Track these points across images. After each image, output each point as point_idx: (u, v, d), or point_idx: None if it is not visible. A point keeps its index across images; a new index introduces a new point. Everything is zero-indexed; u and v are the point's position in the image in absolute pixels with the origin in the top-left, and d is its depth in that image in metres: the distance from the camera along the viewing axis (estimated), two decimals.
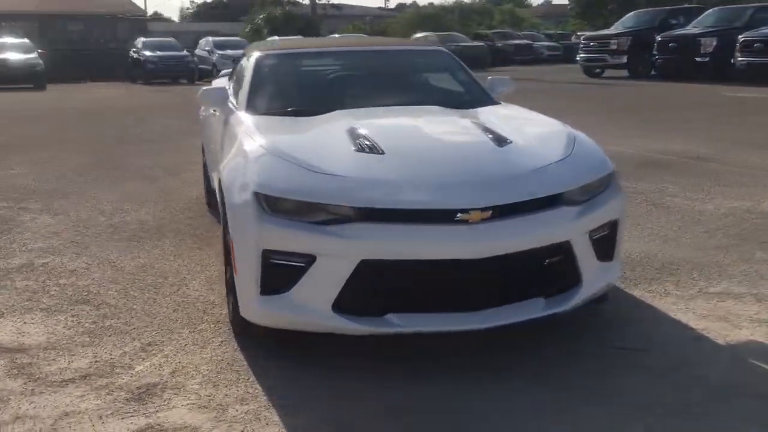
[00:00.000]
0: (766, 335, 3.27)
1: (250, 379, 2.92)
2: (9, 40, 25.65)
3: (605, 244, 3.22)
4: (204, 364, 3.06)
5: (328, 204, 2.84)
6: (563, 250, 3.00)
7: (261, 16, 42.93)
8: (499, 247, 2.84)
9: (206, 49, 29.13)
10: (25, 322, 3.56)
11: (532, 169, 3.08)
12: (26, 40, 26.23)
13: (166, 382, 2.90)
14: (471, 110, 4.02)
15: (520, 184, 2.98)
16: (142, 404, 2.72)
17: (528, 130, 3.58)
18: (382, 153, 3.09)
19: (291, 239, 2.84)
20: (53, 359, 3.13)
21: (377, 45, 5.40)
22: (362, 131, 3.33)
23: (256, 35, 38.32)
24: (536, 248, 2.94)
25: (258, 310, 2.96)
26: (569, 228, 2.99)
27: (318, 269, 2.81)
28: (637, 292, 3.83)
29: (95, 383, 2.90)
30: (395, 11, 62.59)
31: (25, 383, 2.90)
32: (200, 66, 28.14)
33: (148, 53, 27.35)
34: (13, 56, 23.90)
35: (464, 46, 30.57)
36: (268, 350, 3.15)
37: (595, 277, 3.16)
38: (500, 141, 3.27)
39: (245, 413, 2.65)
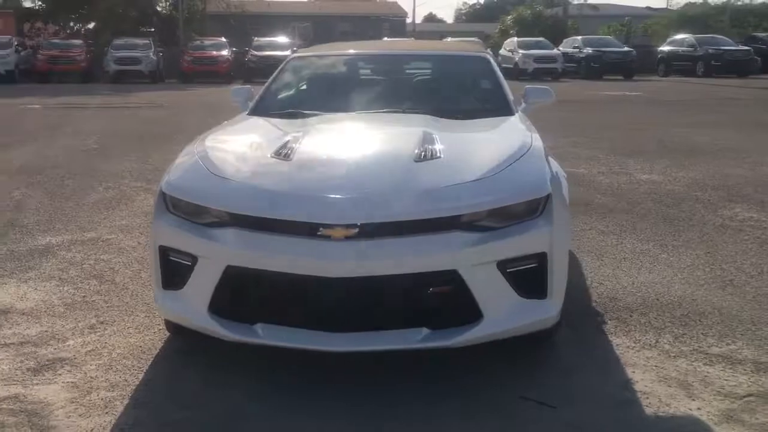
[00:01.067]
0: (718, 413, 2.68)
1: (143, 369, 3.07)
2: (279, 39, 28.54)
3: (530, 278, 2.86)
4: (121, 348, 3.26)
5: (211, 207, 2.88)
6: (452, 279, 2.71)
7: (510, 17, 42.96)
8: (365, 268, 2.67)
9: (509, 49, 29.80)
10: (36, 288, 4.05)
11: (432, 187, 2.83)
12: (287, 39, 29.03)
13: (74, 359, 3.15)
14: (461, 121, 3.77)
15: (406, 203, 2.76)
16: (34, 375, 2.99)
17: (475, 147, 3.29)
18: (289, 161, 3.05)
19: (180, 238, 2.93)
20: (18, 323, 3.54)
21: (413, 50, 5.24)
22: (297, 136, 3.31)
23: (504, 36, 38.60)
24: (414, 274, 2.70)
25: (161, 303, 3.09)
26: (457, 256, 2.70)
27: (198, 270, 2.87)
28: (619, 340, 3.34)
29: (22, 350, 3.24)
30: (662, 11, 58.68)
31: None
32: (504, 65, 28.99)
33: None
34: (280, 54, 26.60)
35: (725, 50, 27.97)
36: (196, 343, 3.19)
37: (510, 314, 2.84)
38: (425, 156, 3.05)
39: (101, 399, 2.79)
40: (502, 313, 2.82)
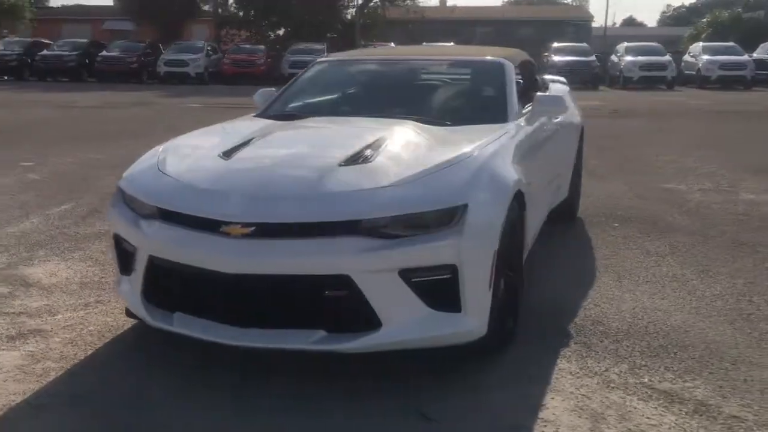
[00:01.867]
0: None
1: (97, 346, 3.36)
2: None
3: (440, 290, 2.79)
4: (93, 326, 3.57)
5: (143, 201, 3.10)
6: (345, 284, 2.71)
7: (704, 20, 40.05)
8: (256, 266, 2.75)
9: (692, 54, 28.68)
10: (69, 267, 4.52)
11: (337, 191, 2.84)
12: (451, 44, 29.27)
13: (49, 331, 3.49)
14: (443, 127, 3.71)
15: (305, 206, 2.79)
16: (6, 342, 3.34)
17: (417, 154, 3.21)
18: (227, 160, 3.20)
19: (126, 228, 3.16)
20: (30, 296, 3.99)
21: (427, 56, 5.16)
22: (258, 137, 3.46)
23: (693, 40, 36.15)
24: (306, 276, 2.74)
25: (119, 288, 3.36)
26: (350, 261, 2.69)
27: (136, 258, 3.11)
28: (567, 364, 3.13)
29: (16, 319, 3.63)
30: None
31: None
32: (686, 72, 28.09)
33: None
34: None
35: None
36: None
37: (416, 324, 2.78)
38: (354, 161, 3.06)
39: (42, 369, 3.07)
40: (407, 322, 2.77)
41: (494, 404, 2.80)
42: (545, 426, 2.63)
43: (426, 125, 3.69)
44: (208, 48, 29.36)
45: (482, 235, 2.84)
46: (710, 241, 5.12)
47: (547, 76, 6.50)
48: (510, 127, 3.78)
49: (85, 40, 30.94)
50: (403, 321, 2.77)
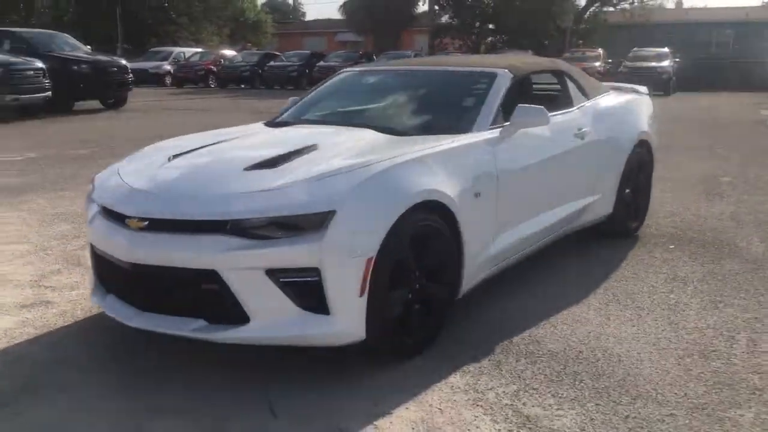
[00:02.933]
0: None
1: (79, 319, 3.93)
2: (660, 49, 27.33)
3: (307, 291, 2.97)
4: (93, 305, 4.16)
5: (93, 198, 3.59)
6: (216, 279, 2.99)
7: None
8: (146, 256, 3.09)
9: None
10: None
11: (221, 193, 3.10)
12: (665, 49, 27.48)
13: (56, 303, 4.12)
14: (399, 137, 3.79)
15: (189, 204, 3.08)
16: (17, 309, 4.04)
17: (323, 161, 3.35)
18: (168, 162, 3.60)
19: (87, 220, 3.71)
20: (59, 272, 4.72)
21: (427, 66, 5.09)
22: (216, 142, 3.84)
23: None
24: (183, 269, 3.03)
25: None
26: (218, 258, 2.95)
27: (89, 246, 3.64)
28: (456, 379, 3.14)
29: (32, 287, 4.34)
30: None
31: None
32: None
33: None
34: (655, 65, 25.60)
35: None
36: None
37: (284, 323, 2.99)
38: (262, 165, 3.32)
39: (21, 333, 3.73)
40: (277, 320, 2.97)
41: (345, 407, 2.90)
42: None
43: (381, 134, 3.82)
44: (414, 57, 30.38)
45: (349, 242, 2.94)
46: (759, 272, 4.58)
47: (624, 84, 6.16)
48: (464, 138, 3.77)
49: (307, 52, 33.53)
50: (273, 318, 2.97)
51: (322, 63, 30.20)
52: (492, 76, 4.30)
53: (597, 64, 27.15)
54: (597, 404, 2.89)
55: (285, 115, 4.72)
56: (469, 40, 38.91)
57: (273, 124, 4.54)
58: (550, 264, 4.71)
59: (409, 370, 3.20)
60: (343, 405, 2.89)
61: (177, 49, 34.32)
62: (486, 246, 3.76)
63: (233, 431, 2.72)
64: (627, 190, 5.21)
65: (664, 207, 6.46)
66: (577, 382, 3.08)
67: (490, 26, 39.59)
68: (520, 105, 4.00)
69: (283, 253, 2.92)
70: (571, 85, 5.00)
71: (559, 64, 5.08)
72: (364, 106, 4.57)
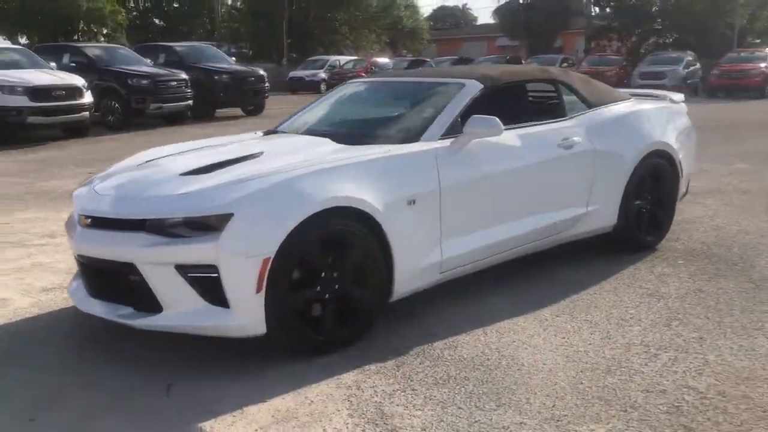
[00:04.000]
0: None
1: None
2: None
3: (210, 286, 3.31)
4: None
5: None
6: (135, 272, 3.38)
7: None
8: (86, 249, 3.58)
9: None
10: None
11: (145, 195, 3.51)
12: None
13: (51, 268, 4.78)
14: (348, 146, 4.00)
15: (119, 205, 3.53)
16: (38, 291, 4.69)
17: (253, 168, 3.65)
18: (134, 168, 4.07)
19: None
20: None
21: (410, 78, 5.15)
22: (193, 148, 4.30)
23: None
24: (110, 261, 3.46)
25: None
26: (134, 252, 3.34)
27: None
28: (351, 377, 3.35)
29: (65, 273, 5.02)
30: None
31: None
32: None
33: None
34: None
35: None
36: None
37: (192, 314, 3.34)
38: (197, 171, 3.69)
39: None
40: (184, 311, 3.35)
41: (229, 395, 3.20)
42: (234, 416, 2.99)
43: (334, 143, 4.08)
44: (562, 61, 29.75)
45: (245, 243, 3.25)
46: (751, 294, 4.31)
47: (658, 92, 5.92)
48: (405, 147, 3.93)
49: (455, 57, 33.85)
50: (183, 309, 3.35)
51: None
52: (459, 87, 4.41)
53: (763, 65, 25.08)
54: (459, 408, 2.99)
55: (283, 125, 5.08)
56: (629, 42, 37.32)
57: (266, 133, 4.92)
58: (536, 271, 4.72)
59: (314, 366, 3.44)
60: (229, 392, 3.20)
61: (333, 58, 35.91)
62: (426, 253, 3.89)
63: (128, 403, 3.12)
64: (637, 202, 5.06)
65: (714, 220, 6.13)
66: (458, 387, 3.18)
67: (656, 26, 37.71)
68: (474, 116, 4.09)
69: (188, 250, 3.29)
70: (566, 94, 4.94)
71: (553, 73, 5.03)
72: (340, 116, 4.82)
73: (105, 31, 48.48)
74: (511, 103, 4.87)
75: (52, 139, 13.36)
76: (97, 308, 3.61)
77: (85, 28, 46.08)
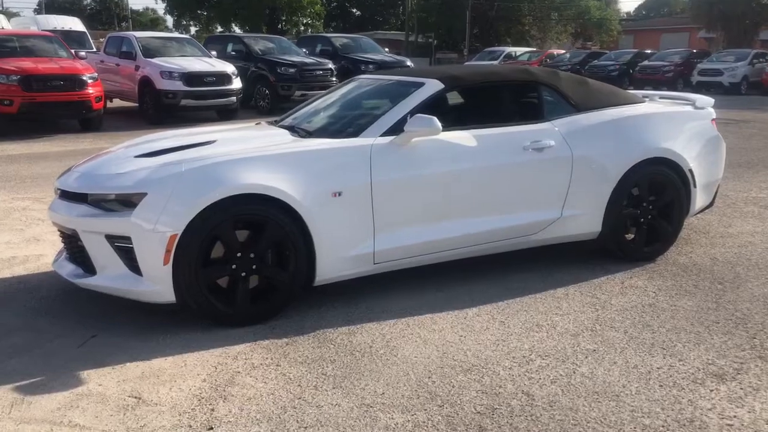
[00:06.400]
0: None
1: None
2: None
3: (129, 256, 3.81)
4: None
5: None
6: (78, 238, 3.96)
7: None
8: (53, 217, 4.18)
9: None
10: None
11: (92, 173, 4.11)
12: None
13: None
14: (299, 139, 4.36)
15: (74, 181, 4.11)
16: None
17: (186, 154, 4.08)
18: (119, 149, 4.67)
19: None
20: None
21: (389, 76, 5.20)
22: (179, 134, 4.85)
23: None
24: (67, 227, 4.04)
25: None
26: (75, 221, 3.93)
27: None
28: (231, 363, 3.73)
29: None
30: None
31: None
32: None
33: None
34: None
35: None
36: None
37: (117, 278, 3.87)
38: (149, 155, 4.19)
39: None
40: (111, 275, 3.90)
41: (127, 353, 3.69)
42: (114, 369, 3.48)
43: (288, 135, 4.47)
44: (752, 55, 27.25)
45: (155, 219, 3.71)
46: (703, 313, 4.07)
47: (689, 95, 5.57)
48: (342, 142, 4.19)
49: (633, 51, 32.06)
50: (111, 273, 3.91)
51: (646, 62, 28.79)
52: (417, 86, 4.55)
53: None
54: (298, 386, 3.24)
55: (287, 118, 5.46)
56: None
57: (270, 123, 5.34)
58: (525, 270, 4.81)
59: (212, 335, 3.81)
60: (128, 349, 3.67)
61: (509, 49, 35.56)
62: (355, 244, 4.14)
63: (47, 347, 3.71)
64: (627, 210, 4.88)
65: (753, 236, 5.68)
66: (318, 368, 3.43)
67: None
68: (416, 115, 4.24)
69: (113, 222, 3.83)
70: (550, 97, 4.87)
71: (535, 74, 4.94)
72: (319, 111, 5.09)
73: (305, 21, 51.92)
74: (479, 104, 4.90)
75: (205, 120, 14.77)
76: (60, 268, 4.25)
77: (287, 18, 49.52)
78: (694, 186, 5.09)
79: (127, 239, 3.77)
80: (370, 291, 4.40)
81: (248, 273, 3.91)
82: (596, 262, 4.97)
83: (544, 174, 4.64)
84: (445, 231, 4.40)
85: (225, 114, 15.15)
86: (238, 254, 3.87)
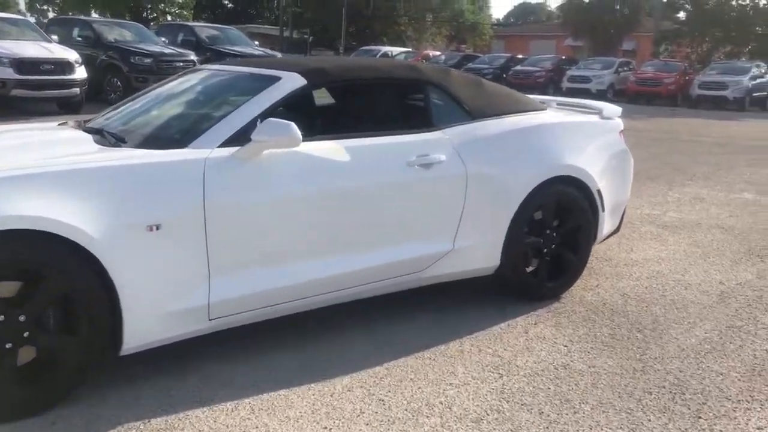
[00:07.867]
0: None
1: None
2: None
3: None
4: None
5: None
6: None
7: None
8: None
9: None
10: None
11: None
12: None
13: None
14: (101, 148, 3.22)
15: None
16: None
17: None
18: None
19: None
20: None
21: (238, 66, 4.14)
22: None
23: None
24: None
25: None
26: None
27: None
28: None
29: None
30: None
31: None
32: None
33: None
34: None
35: None
36: None
37: None
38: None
39: None
40: None
41: None
42: None
43: (93, 144, 3.33)
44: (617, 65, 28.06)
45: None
46: (630, 379, 3.25)
47: (590, 102, 4.85)
48: (160, 155, 3.03)
49: (507, 55, 32.41)
50: None
51: (519, 67, 28.98)
52: (271, 81, 3.47)
53: None
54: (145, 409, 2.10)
55: (100, 117, 4.22)
56: (700, 48, 35.05)
57: (78, 123, 4.10)
58: (409, 314, 3.77)
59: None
60: None
61: (385, 48, 35.07)
62: (182, 294, 2.99)
63: None
64: (529, 239, 4.02)
65: (660, 264, 5.01)
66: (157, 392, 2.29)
67: (732, 33, 35.26)
68: (269, 119, 3.16)
69: None
70: (441, 100, 3.93)
71: (423, 72, 3.97)
72: (141, 110, 3.89)
73: (173, 11, 49.22)
74: (353, 107, 3.89)
75: (45, 113, 12.92)
76: None
77: (152, 6, 46.72)
78: (602, 209, 4.32)
79: None
80: (206, 353, 3.28)
81: (16, 343, 2.69)
82: (491, 302, 4.09)
83: (432, 196, 3.68)
84: (308, 272, 3.34)
85: (67, 107, 13.33)
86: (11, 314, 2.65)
